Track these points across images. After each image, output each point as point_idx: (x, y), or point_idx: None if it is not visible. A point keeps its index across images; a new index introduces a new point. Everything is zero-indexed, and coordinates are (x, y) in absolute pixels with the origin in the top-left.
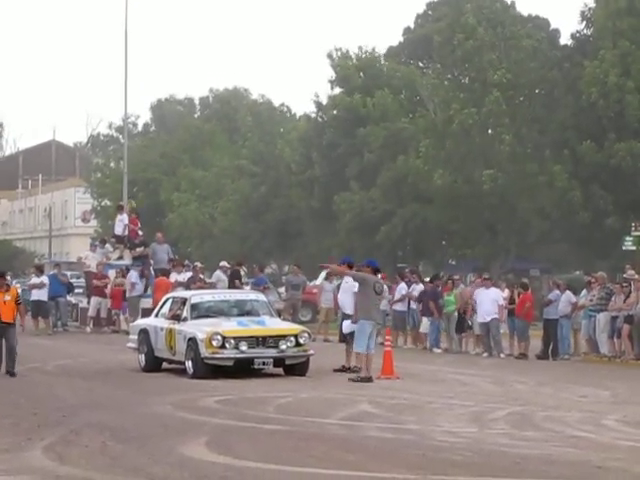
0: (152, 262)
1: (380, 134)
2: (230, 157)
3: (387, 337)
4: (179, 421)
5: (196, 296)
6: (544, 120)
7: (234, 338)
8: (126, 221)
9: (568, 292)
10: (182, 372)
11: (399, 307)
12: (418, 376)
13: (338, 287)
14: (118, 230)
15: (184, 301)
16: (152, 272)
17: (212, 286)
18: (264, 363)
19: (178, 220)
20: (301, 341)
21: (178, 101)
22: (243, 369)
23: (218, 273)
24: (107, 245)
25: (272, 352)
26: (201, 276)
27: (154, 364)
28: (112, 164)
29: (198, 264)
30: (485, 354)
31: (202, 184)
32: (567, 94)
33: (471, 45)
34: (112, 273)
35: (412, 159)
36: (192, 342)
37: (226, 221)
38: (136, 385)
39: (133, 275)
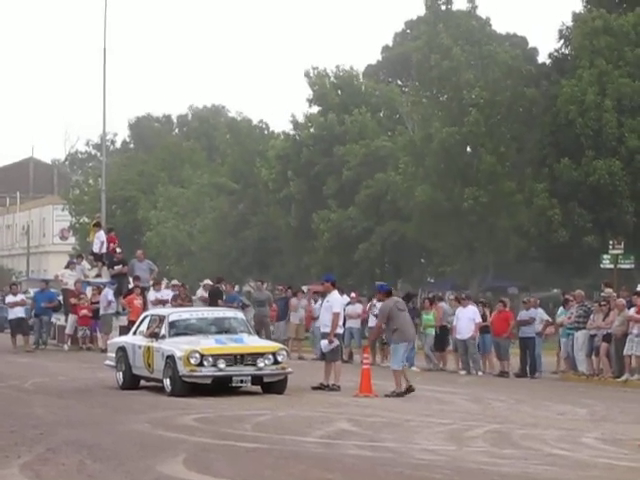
0: (130, 280)
1: (358, 152)
2: (208, 175)
3: (365, 355)
4: (157, 439)
5: (174, 314)
6: (522, 138)
7: (212, 356)
8: (103, 238)
9: (540, 310)
10: (160, 390)
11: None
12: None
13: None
14: (96, 248)
15: (162, 319)
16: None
17: (198, 304)
18: (242, 381)
19: (156, 238)
20: (279, 359)
21: (156, 119)
22: (221, 387)
23: (200, 291)
24: (84, 262)
25: (250, 370)
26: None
27: (132, 382)
28: (90, 181)
29: (175, 281)
30: (463, 372)
31: (180, 202)
32: (545, 112)
33: (447, 65)
34: (89, 291)
35: (391, 176)
36: (170, 360)
37: (204, 239)
38: (114, 403)
39: (109, 293)
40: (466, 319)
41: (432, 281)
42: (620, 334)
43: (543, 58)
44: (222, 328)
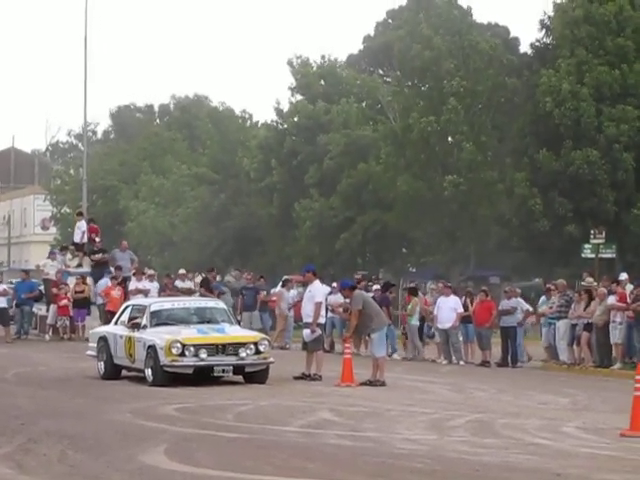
0: (112, 269)
1: (340, 141)
2: (190, 165)
3: (346, 345)
4: (138, 429)
5: (155, 304)
6: (503, 128)
7: (193, 346)
8: (84, 228)
9: (520, 300)
10: (141, 380)
11: None
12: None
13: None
14: (77, 238)
15: (144, 309)
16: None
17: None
18: (224, 371)
19: (137, 228)
20: (261, 349)
21: (138, 108)
22: (203, 377)
23: (178, 282)
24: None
25: (232, 359)
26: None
27: (113, 372)
28: (71, 171)
29: (150, 271)
30: (445, 361)
31: (161, 192)
32: (526, 102)
33: (428, 55)
34: (71, 281)
35: (372, 166)
36: (152, 350)
37: (186, 229)
38: (95, 393)
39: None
40: (447, 308)
41: (414, 270)
42: (601, 323)
43: (525, 48)
44: (204, 318)
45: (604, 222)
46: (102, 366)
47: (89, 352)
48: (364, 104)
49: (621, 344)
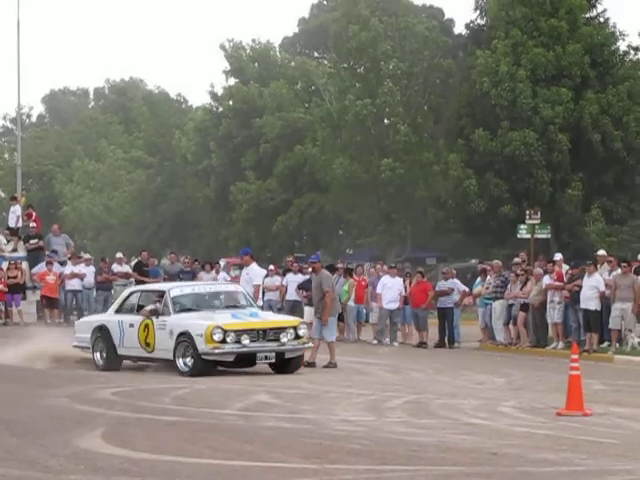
0: (47, 254)
1: (276, 124)
2: (125, 148)
3: None
4: (75, 413)
5: (175, 289)
6: (439, 109)
7: (234, 331)
8: (19, 212)
9: (457, 281)
10: (80, 364)
11: (292, 297)
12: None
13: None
14: (11, 222)
15: (160, 294)
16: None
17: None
18: (266, 357)
19: (72, 213)
20: (300, 333)
21: (72, 92)
22: (242, 364)
23: (115, 266)
24: (0, 237)
25: (273, 345)
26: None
27: (116, 363)
28: (6, 156)
29: (86, 255)
30: (385, 341)
31: (97, 176)
32: (462, 83)
33: (365, 36)
34: (5, 265)
35: (309, 148)
36: (185, 337)
37: (122, 212)
38: (32, 379)
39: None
40: (393, 289)
41: (350, 252)
42: (538, 303)
43: (460, 29)
44: (228, 302)
45: (539, 203)
46: (99, 357)
47: (77, 343)
48: (298, 86)
49: (560, 323)
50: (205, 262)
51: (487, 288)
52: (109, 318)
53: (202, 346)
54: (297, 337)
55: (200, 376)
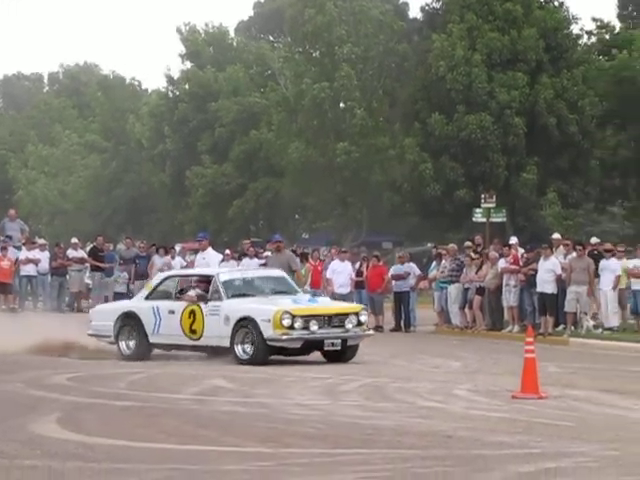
0: (1, 239)
1: (232, 108)
2: (80, 133)
3: None
4: (30, 399)
5: (223, 273)
6: (395, 93)
7: (303, 317)
8: None
9: (412, 265)
10: (35, 352)
11: None
12: None
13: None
14: None
15: (207, 279)
16: None
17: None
18: (333, 344)
19: (27, 197)
20: (362, 319)
21: (26, 77)
22: (309, 351)
23: (70, 251)
24: None
25: (338, 332)
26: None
27: (146, 351)
28: None
29: (41, 240)
30: None
31: (51, 161)
32: (417, 67)
33: (320, 20)
34: None
35: (264, 133)
36: (248, 322)
37: (77, 197)
38: None
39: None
40: (344, 273)
41: (306, 237)
42: (493, 287)
43: (415, 13)
44: (277, 288)
45: (495, 186)
46: (125, 346)
47: (94, 332)
48: (253, 70)
49: (515, 307)
50: (159, 246)
51: (442, 272)
52: (139, 305)
53: (269, 332)
54: (359, 323)
55: (261, 365)
